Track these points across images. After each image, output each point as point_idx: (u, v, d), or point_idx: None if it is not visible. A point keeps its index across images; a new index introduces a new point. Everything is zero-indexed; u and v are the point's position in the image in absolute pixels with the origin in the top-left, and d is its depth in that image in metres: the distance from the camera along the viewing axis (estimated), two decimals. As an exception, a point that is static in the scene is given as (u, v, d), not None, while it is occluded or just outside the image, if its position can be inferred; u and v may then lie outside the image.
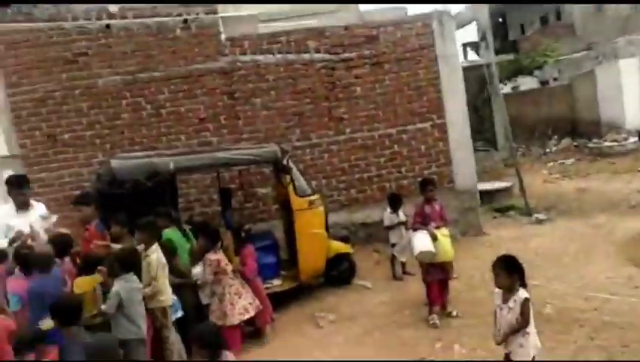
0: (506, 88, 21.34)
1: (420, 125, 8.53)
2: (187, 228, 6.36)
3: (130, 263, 4.56)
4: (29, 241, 5.13)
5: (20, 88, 7.58)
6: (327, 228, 6.73)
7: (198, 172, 7.23)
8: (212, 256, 5.27)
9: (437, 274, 5.65)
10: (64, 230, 5.67)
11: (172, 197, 6.70)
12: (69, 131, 7.74)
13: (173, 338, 4.99)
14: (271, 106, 8.13)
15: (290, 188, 6.33)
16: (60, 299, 3.88)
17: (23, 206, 5.69)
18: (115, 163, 5.86)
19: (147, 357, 4.59)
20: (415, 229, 5.73)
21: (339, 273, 6.89)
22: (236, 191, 8.01)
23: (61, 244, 4.86)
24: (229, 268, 5.37)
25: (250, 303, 5.37)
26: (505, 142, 14.62)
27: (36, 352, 3.84)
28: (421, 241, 5.53)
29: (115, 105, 7.76)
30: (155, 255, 4.90)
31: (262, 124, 8.12)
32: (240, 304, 5.29)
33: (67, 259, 4.96)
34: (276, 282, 6.49)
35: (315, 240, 6.40)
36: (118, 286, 4.41)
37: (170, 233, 5.48)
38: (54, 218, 5.93)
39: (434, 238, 5.53)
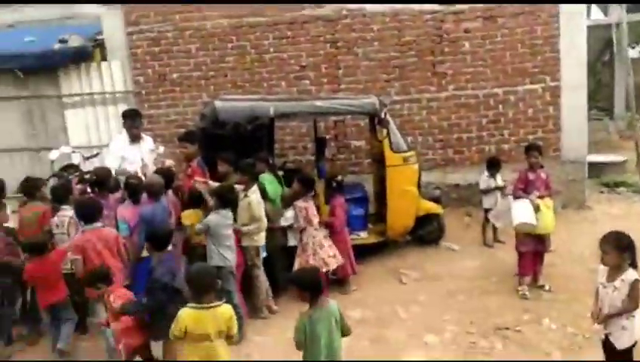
0: (632, 53, 19.18)
1: (530, 86, 7.95)
2: (280, 173, 6.56)
3: (227, 200, 4.83)
4: (140, 172, 5.56)
5: (138, 27, 8.02)
6: (419, 187, 6.60)
7: (296, 119, 7.33)
8: (301, 204, 5.40)
9: (532, 245, 5.39)
10: (170, 162, 6.08)
11: (269, 143, 6.90)
12: (178, 71, 8.12)
13: (262, 277, 5.25)
14: (373, 57, 7.95)
15: (386, 142, 6.24)
16: (155, 228, 4.27)
17: (135, 138, 6.13)
18: (218, 104, 6.07)
19: (236, 288, 4.89)
20: (517, 197, 5.44)
21: (426, 233, 6.79)
22: (330, 141, 8.05)
23: (166, 177, 5.20)
24: (316, 219, 5.49)
25: (330, 256, 5.46)
26: (624, 111, 13.30)
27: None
28: (522, 212, 5.26)
29: (222, 48, 7.99)
30: (255, 196, 5.12)
31: (362, 75, 7.99)
32: (320, 255, 5.41)
33: (170, 192, 5.31)
34: (363, 235, 6.54)
35: (405, 198, 6.32)
36: (211, 217, 4.76)
37: (267, 177, 5.66)
38: (162, 149, 6.35)
39: (536, 209, 5.23)
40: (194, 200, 5.16)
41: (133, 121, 6.16)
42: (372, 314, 5.17)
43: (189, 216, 5.09)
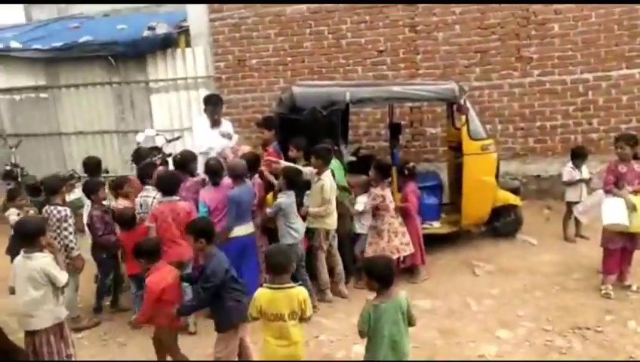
0: None
1: (625, 71, 7.37)
2: (354, 159, 6.57)
3: (294, 182, 5.01)
4: (226, 155, 5.79)
5: (221, 14, 8.28)
6: (496, 177, 6.36)
7: (371, 105, 7.26)
8: (378, 191, 5.39)
9: (621, 243, 5.02)
10: (246, 147, 6.26)
11: (343, 129, 6.93)
12: (257, 57, 8.31)
13: (324, 261, 5.32)
14: (453, 42, 7.70)
15: (464, 129, 6.05)
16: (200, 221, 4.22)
17: (216, 123, 6.36)
18: (296, 89, 6.16)
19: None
20: (607, 192, 5.04)
21: (503, 225, 6.54)
22: (405, 128, 7.93)
23: (252, 161, 5.38)
24: (392, 205, 5.47)
25: (403, 243, 5.43)
26: None
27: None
28: (614, 211, 4.87)
29: (300, 34, 8.07)
30: (328, 179, 5.19)
31: (441, 60, 7.78)
32: (394, 243, 5.39)
33: (256, 175, 5.47)
34: (435, 224, 6.42)
35: (482, 187, 6.11)
36: (281, 199, 4.97)
37: (334, 164, 5.71)
38: (236, 138, 6.54)
39: (632, 208, 4.83)
40: (292, 180, 5.24)
41: (215, 107, 6.39)
42: (442, 304, 5.09)
43: (271, 200, 5.26)
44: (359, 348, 4.14)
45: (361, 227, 5.67)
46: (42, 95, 9.21)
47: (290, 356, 3.42)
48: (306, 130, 5.84)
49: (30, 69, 9.09)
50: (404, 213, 5.61)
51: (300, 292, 3.40)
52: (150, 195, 5.12)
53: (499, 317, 4.77)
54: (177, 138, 7.68)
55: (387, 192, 5.45)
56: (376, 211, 5.43)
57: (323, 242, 5.29)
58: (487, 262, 5.93)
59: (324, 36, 8.01)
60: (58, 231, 4.76)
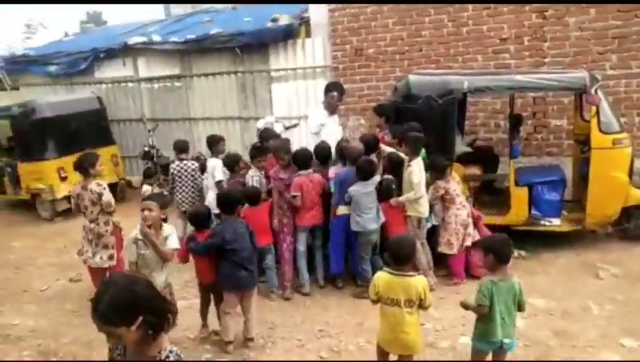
0: None
1: None
2: (467, 150, 6.39)
3: (366, 172, 5.08)
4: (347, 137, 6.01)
5: (341, 4, 8.42)
6: (630, 174, 5.82)
7: (491, 94, 7.00)
8: (441, 183, 5.39)
9: None
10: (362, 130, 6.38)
11: (459, 118, 6.75)
12: (374, 46, 8.35)
13: (420, 249, 5.25)
14: (586, 27, 7.12)
15: (594, 121, 5.61)
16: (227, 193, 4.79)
17: (334, 111, 6.52)
18: (412, 78, 6.12)
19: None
20: None
21: (634, 226, 5.98)
22: (526, 119, 7.52)
23: (370, 143, 5.53)
24: (459, 198, 5.39)
25: (470, 235, 5.38)
26: None
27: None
28: None
29: (418, 22, 7.97)
30: (417, 166, 5.21)
31: (571, 47, 7.24)
32: (462, 234, 5.37)
33: (374, 156, 5.58)
34: (555, 221, 6.03)
35: (612, 185, 5.63)
36: (353, 187, 5.12)
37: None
38: (362, 120, 6.68)
39: None
40: (394, 166, 5.41)
41: (339, 94, 6.52)
42: (558, 305, 4.80)
43: None
44: (465, 340, 4.08)
45: (435, 219, 5.61)
46: (176, 83, 10.09)
47: (403, 343, 3.48)
48: (421, 118, 5.80)
49: (167, 60, 9.99)
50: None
51: (419, 281, 3.43)
52: (254, 175, 5.65)
53: (623, 325, 4.40)
54: (295, 125, 8.01)
55: (452, 184, 5.42)
56: (442, 203, 5.45)
57: (417, 229, 5.29)
58: (614, 266, 5.48)
59: (443, 24, 7.83)
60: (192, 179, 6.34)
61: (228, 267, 4.30)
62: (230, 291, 4.38)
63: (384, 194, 5.22)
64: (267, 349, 4.43)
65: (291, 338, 4.56)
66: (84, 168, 4.95)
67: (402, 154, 5.42)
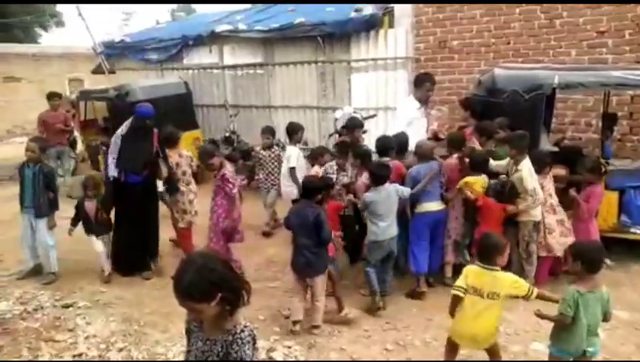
0: None
1: None
2: (553, 150, 6.08)
3: (379, 177, 4.87)
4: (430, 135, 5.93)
5: (426, -5, 8.24)
6: None
7: (583, 91, 6.58)
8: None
9: None
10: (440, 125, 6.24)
11: (547, 116, 6.41)
12: (459, 38, 8.10)
13: (534, 255, 5.08)
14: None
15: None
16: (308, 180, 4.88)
17: (424, 102, 6.41)
18: (498, 71, 5.90)
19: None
20: None
21: None
22: (622, 119, 7.01)
23: (457, 140, 5.44)
24: (551, 200, 5.14)
25: (559, 243, 5.05)
26: None
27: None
28: None
29: (508, 14, 7.62)
30: (527, 169, 4.95)
31: (682, 41, 6.64)
32: (548, 239, 5.11)
33: (455, 155, 5.44)
34: (647, 228, 5.61)
35: None
36: (368, 194, 4.91)
37: None
38: (444, 109, 6.53)
39: None
40: (477, 165, 5.21)
41: (432, 85, 6.40)
42: (647, 320, 4.48)
43: (474, 182, 5.12)
44: (538, 346, 3.94)
45: None
46: (259, 71, 10.34)
47: (474, 335, 3.48)
48: (505, 114, 5.59)
49: (251, 48, 10.26)
50: (578, 214, 5.18)
51: (504, 277, 3.42)
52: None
53: None
54: (373, 116, 7.97)
55: (547, 183, 5.13)
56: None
57: (532, 233, 5.07)
58: None
59: (535, 16, 7.44)
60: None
61: (293, 250, 4.52)
62: (294, 274, 4.56)
63: (507, 197, 5.00)
64: (334, 337, 4.48)
65: (358, 328, 4.58)
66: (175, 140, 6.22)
67: (502, 162, 5.25)
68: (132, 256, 5.82)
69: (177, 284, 2.07)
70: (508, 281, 3.40)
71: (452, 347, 3.65)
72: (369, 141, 6.61)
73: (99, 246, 5.76)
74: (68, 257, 6.09)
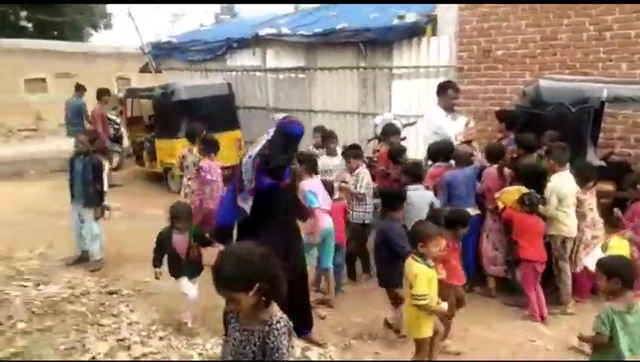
0: None
1: None
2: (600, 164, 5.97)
3: (416, 175, 5.23)
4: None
5: (472, 3, 8.20)
6: None
7: (633, 106, 6.42)
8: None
9: None
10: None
11: (593, 130, 6.29)
12: (503, 48, 8.02)
13: (568, 272, 4.98)
14: None
15: None
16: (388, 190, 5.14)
17: (450, 110, 6.42)
18: (543, 83, 5.84)
19: None
20: None
21: None
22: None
23: (495, 151, 5.46)
24: (591, 214, 5.06)
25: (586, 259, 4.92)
26: None
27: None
28: None
29: (555, 24, 7.51)
30: (563, 181, 4.91)
31: None
32: (580, 254, 4.99)
33: (493, 167, 5.45)
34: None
35: None
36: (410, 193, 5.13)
37: None
38: (472, 123, 6.51)
39: None
40: (526, 175, 5.14)
41: (455, 92, 6.43)
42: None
43: (510, 193, 5.04)
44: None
45: None
46: (300, 75, 10.50)
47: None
48: (549, 126, 5.52)
49: (294, 52, 10.43)
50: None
51: (413, 269, 3.56)
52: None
53: None
54: (412, 123, 7.97)
55: (589, 197, 5.03)
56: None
57: (561, 250, 4.95)
58: None
59: (584, 28, 7.31)
60: None
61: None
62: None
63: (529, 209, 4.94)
64: (369, 340, 4.52)
65: (392, 333, 4.60)
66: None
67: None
68: None
69: (217, 274, 2.16)
70: (411, 275, 3.51)
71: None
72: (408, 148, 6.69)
73: (191, 291, 4.66)
74: (109, 248, 6.37)
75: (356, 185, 5.65)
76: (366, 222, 5.76)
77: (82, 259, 6.18)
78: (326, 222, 4.99)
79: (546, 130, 5.55)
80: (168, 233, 4.67)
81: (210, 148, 6.35)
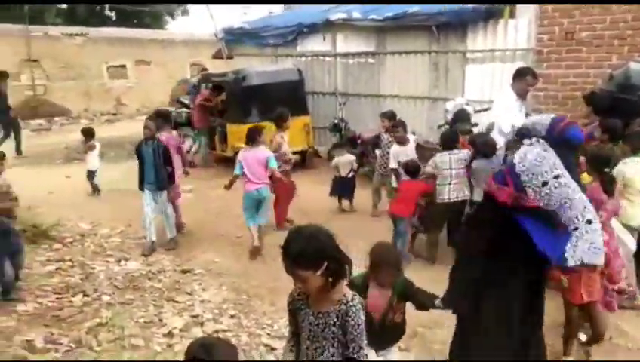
0: None
1: None
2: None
3: (485, 152, 5.21)
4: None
5: (554, -17, 7.74)
6: None
7: None
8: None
9: None
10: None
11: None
12: (588, 30, 7.51)
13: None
14: None
15: None
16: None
17: (523, 96, 6.08)
18: (633, 66, 5.46)
19: None
20: None
21: None
22: None
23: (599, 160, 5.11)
24: (606, 214, 4.44)
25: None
26: None
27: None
28: None
29: (649, 3, 6.96)
30: (630, 168, 4.64)
31: None
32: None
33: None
34: None
35: None
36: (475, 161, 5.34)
37: None
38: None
39: None
40: (590, 160, 4.76)
41: (533, 79, 6.10)
42: None
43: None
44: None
45: None
46: (370, 60, 10.38)
47: None
48: (638, 112, 5.14)
49: (364, 37, 10.31)
50: None
51: None
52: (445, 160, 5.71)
53: None
54: (486, 109, 7.67)
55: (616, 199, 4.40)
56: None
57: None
58: None
59: (682, 5, 6.72)
60: None
61: None
62: None
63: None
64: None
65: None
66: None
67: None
68: None
69: (287, 251, 2.18)
70: None
71: None
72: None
73: None
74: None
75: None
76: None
77: (152, 249, 6.16)
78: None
79: (633, 116, 5.18)
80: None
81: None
